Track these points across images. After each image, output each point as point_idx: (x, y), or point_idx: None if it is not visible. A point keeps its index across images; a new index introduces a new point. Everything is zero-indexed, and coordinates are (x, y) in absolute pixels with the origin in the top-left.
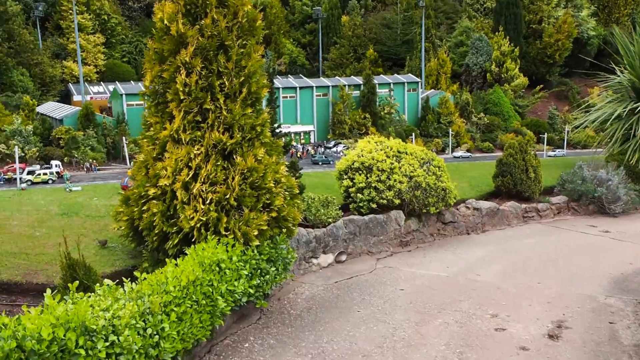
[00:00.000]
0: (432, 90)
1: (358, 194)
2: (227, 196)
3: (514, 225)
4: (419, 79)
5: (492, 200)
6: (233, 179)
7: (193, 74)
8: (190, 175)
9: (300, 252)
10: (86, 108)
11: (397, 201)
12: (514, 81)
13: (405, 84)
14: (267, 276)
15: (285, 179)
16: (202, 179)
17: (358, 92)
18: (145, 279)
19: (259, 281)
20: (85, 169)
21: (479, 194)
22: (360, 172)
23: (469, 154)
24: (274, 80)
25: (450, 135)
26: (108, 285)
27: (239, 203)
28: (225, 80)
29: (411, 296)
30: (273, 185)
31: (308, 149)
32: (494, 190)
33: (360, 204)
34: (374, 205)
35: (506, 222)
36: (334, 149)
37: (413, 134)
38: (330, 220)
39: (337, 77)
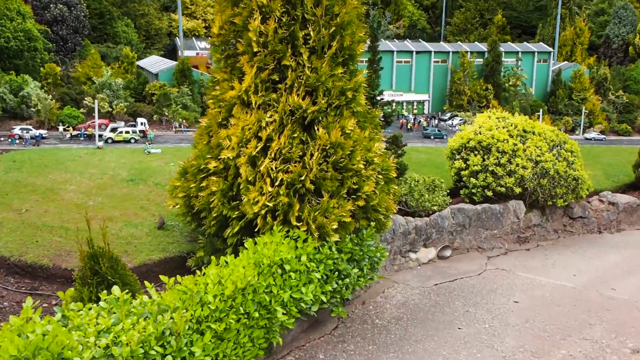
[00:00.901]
0: (565, 62)
1: (471, 179)
2: (303, 177)
3: None
4: (551, 49)
5: (632, 194)
6: (312, 155)
7: (271, 19)
8: (259, 148)
9: (396, 245)
10: (182, 63)
11: (517, 190)
12: None
13: (535, 53)
14: (348, 279)
15: (380, 159)
16: (273, 154)
17: (481, 60)
18: (178, 282)
19: (336, 285)
20: (174, 129)
21: (615, 186)
22: (476, 152)
23: (602, 136)
24: (388, 43)
25: (582, 113)
26: (116, 297)
27: (317, 187)
28: (311, 30)
29: (528, 312)
30: (363, 166)
31: (420, 121)
32: (634, 182)
33: (473, 191)
34: (490, 193)
35: None
36: (449, 122)
37: (540, 110)
38: (435, 208)
39: (459, 42)
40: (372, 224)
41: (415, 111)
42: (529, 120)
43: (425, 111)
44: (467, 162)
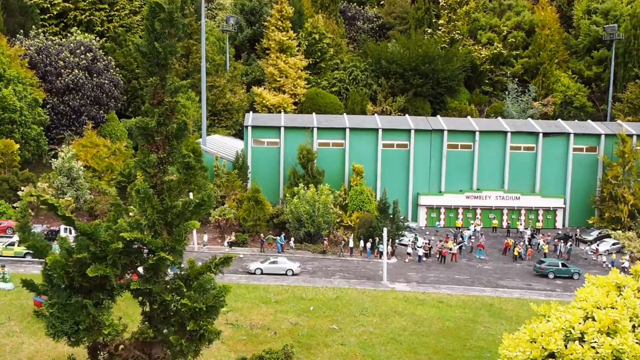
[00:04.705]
0: None
1: None
2: None
3: None
4: None
5: None
6: None
7: None
8: None
9: None
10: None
11: None
12: None
13: None
14: None
15: None
16: None
17: None
18: None
19: None
20: None
21: None
22: None
23: None
24: (501, 120)
25: None
26: None
27: None
28: None
29: None
30: None
31: (539, 243)
32: None
33: None
34: None
35: None
36: (593, 247)
37: None
38: None
39: (617, 121)
40: None
41: (539, 224)
42: None
43: (558, 224)
44: None
